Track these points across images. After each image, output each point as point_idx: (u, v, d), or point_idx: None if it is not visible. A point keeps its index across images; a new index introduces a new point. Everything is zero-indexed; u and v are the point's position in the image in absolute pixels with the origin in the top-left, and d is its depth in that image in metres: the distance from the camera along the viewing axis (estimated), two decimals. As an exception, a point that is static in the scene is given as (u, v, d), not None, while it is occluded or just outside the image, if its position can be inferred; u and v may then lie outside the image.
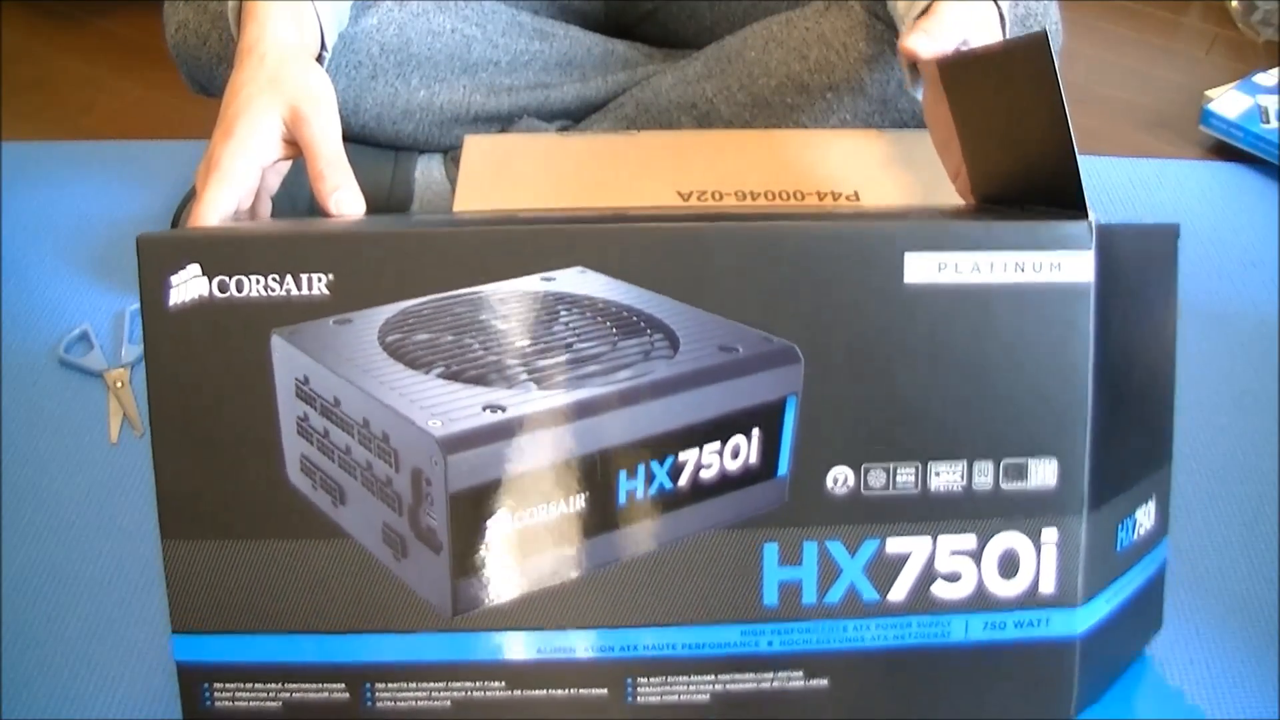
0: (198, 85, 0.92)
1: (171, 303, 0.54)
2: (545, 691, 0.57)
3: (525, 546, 0.55)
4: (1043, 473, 0.56)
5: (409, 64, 0.90)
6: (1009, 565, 0.57)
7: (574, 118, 0.97)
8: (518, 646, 0.57)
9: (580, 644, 0.57)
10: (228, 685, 0.57)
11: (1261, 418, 0.82)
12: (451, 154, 0.95)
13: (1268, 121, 1.08)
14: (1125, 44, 1.34)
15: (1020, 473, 0.56)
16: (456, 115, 0.93)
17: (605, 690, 0.58)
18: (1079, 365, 0.55)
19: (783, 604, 0.57)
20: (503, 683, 0.57)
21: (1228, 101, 1.11)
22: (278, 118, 0.66)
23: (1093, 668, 0.59)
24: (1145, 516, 0.62)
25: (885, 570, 0.57)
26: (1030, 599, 0.57)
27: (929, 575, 0.57)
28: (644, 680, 0.58)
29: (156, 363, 0.55)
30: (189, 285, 0.54)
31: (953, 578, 0.57)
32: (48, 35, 1.35)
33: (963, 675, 0.58)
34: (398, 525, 0.54)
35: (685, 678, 0.58)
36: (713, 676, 0.58)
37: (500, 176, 0.83)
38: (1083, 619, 0.57)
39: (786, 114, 0.88)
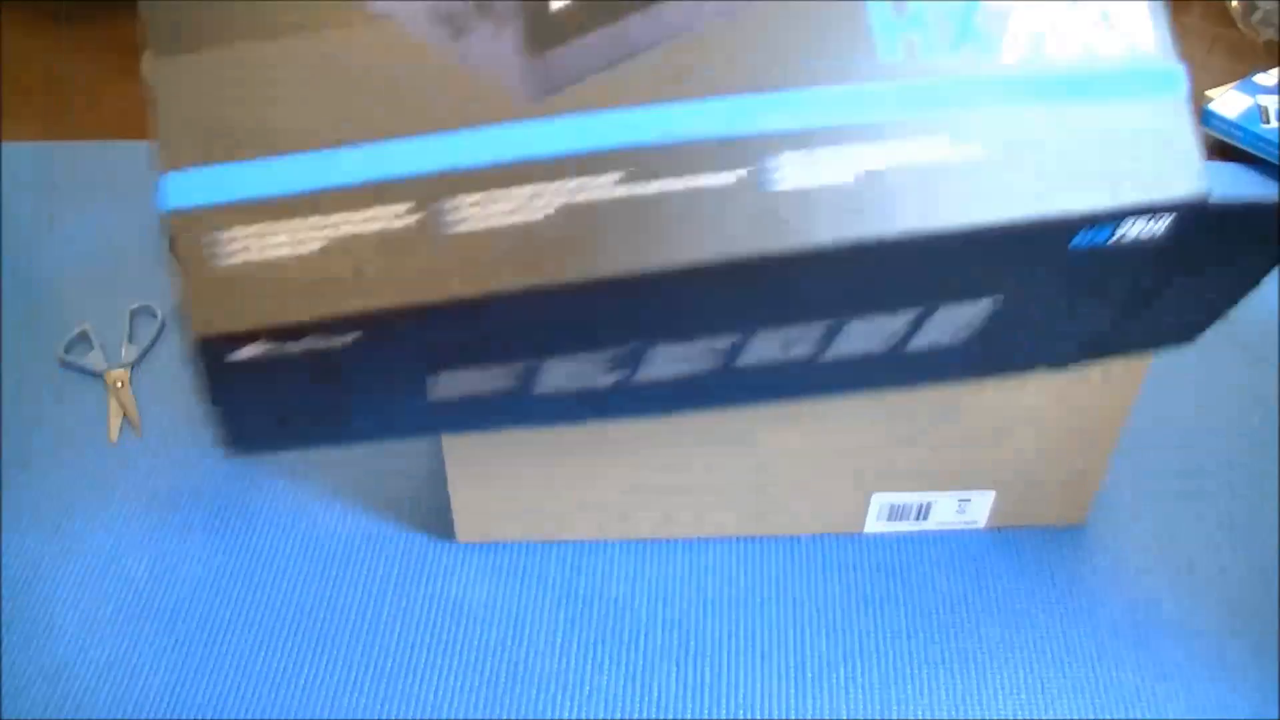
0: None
1: None
2: (677, 179, 0.47)
3: None
4: None
5: None
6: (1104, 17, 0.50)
7: None
8: (633, 127, 0.46)
9: (705, 120, 0.47)
10: (248, 228, 0.43)
11: (1261, 418, 0.82)
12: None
13: (1268, 121, 1.08)
14: (1125, 44, 1.34)
15: None
16: None
17: (743, 171, 0.47)
18: None
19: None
20: (619, 175, 0.46)
21: (1228, 101, 1.11)
22: None
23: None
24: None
25: (993, 21, 0.49)
26: (1133, 58, 0.50)
27: (1036, 37, 0.50)
28: (778, 163, 0.47)
29: None
30: None
31: (1055, 31, 0.50)
32: (48, 35, 1.35)
33: (1091, 145, 0.50)
34: None
35: (829, 149, 0.47)
36: (857, 146, 0.48)
37: None
38: (1186, 83, 0.51)
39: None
